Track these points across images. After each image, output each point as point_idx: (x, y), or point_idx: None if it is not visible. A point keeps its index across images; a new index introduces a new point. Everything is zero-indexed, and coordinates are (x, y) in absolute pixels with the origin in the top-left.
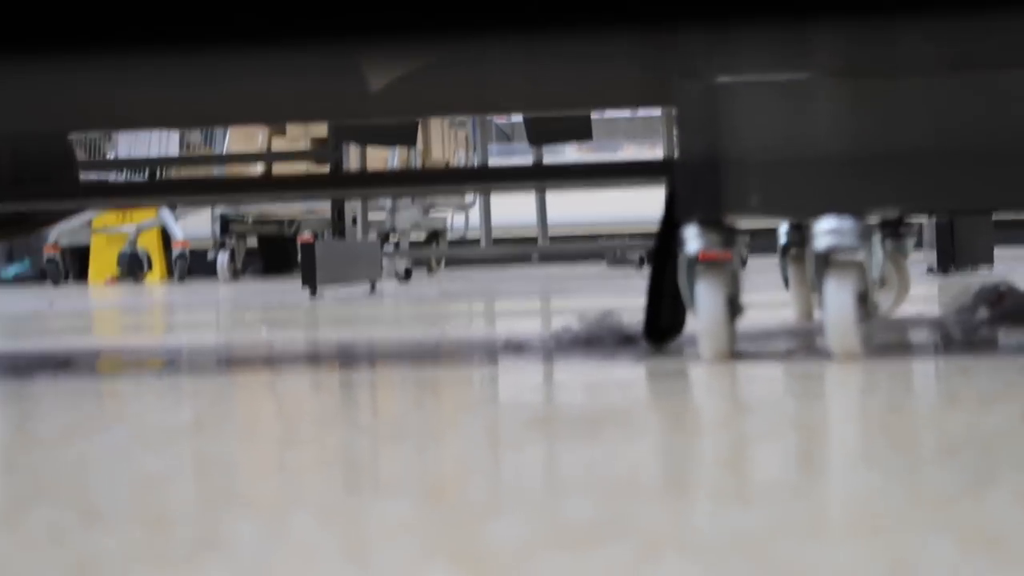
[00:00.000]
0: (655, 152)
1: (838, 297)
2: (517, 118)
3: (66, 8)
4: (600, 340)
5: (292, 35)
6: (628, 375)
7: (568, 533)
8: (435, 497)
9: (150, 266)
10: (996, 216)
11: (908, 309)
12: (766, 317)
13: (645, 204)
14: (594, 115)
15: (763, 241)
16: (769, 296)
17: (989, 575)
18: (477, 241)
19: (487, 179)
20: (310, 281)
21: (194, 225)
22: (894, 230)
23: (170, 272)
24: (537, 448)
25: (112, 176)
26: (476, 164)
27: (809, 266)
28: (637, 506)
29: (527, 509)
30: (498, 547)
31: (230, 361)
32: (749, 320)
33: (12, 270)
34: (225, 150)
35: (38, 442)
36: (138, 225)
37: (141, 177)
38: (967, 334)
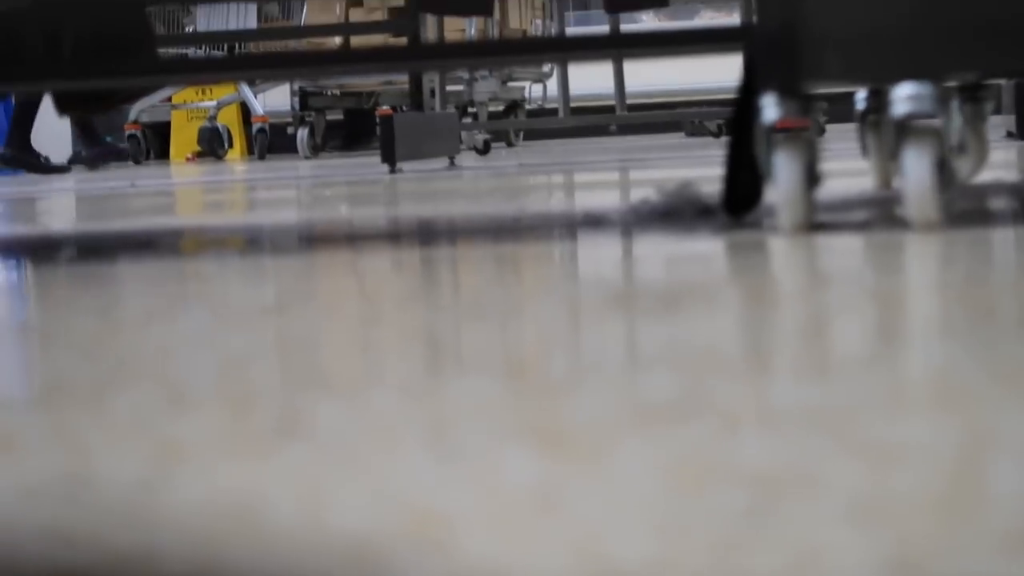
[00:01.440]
0: (733, 18)
1: (917, 165)
2: None
3: None
4: (679, 212)
5: None
6: (707, 248)
7: (648, 411)
8: (515, 375)
9: (230, 142)
10: None
11: (987, 175)
12: (845, 186)
13: (724, 71)
14: None
15: (841, 108)
16: (847, 164)
17: None
18: (555, 111)
19: (565, 49)
20: (389, 156)
21: (273, 100)
22: (972, 95)
23: (250, 148)
24: (617, 324)
25: (191, 51)
26: (553, 33)
27: (887, 133)
28: (717, 382)
29: (607, 386)
30: (578, 425)
31: (311, 239)
32: (828, 189)
33: None
34: (303, 22)
35: (122, 325)
36: (218, 101)
37: (220, 51)
38: None
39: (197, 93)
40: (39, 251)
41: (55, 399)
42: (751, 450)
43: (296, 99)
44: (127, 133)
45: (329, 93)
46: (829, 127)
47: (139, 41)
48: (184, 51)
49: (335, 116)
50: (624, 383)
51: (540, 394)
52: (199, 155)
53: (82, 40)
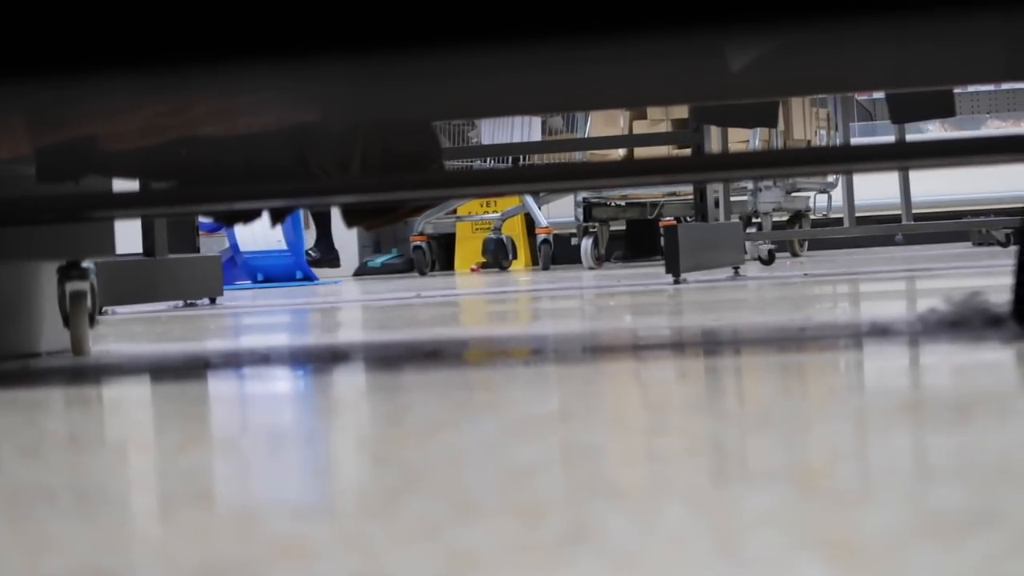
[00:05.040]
0: (1021, 127)
1: None
2: (878, 94)
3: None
4: (967, 321)
5: (653, 20)
6: (997, 358)
7: (939, 522)
8: (804, 485)
9: (515, 253)
10: None
11: None
12: None
13: (1012, 179)
14: (956, 89)
15: None
16: None
17: None
18: (840, 221)
19: (850, 159)
20: (673, 266)
21: (557, 211)
22: None
23: (534, 259)
24: (906, 434)
25: (476, 163)
26: (838, 143)
27: None
28: (1010, 494)
29: (897, 497)
30: (868, 537)
31: (596, 348)
32: None
33: (380, 259)
34: (587, 134)
35: (409, 434)
36: (502, 212)
37: (504, 164)
38: None
39: (482, 205)
40: (328, 360)
41: (346, 506)
42: None
43: (580, 210)
44: (412, 244)
45: (613, 204)
46: None
47: (426, 155)
48: (469, 163)
49: (618, 227)
50: (915, 493)
51: (829, 505)
52: (483, 266)
53: (370, 155)
